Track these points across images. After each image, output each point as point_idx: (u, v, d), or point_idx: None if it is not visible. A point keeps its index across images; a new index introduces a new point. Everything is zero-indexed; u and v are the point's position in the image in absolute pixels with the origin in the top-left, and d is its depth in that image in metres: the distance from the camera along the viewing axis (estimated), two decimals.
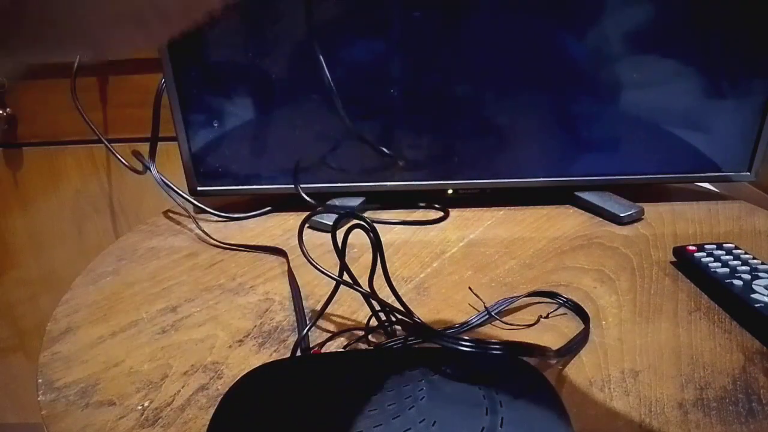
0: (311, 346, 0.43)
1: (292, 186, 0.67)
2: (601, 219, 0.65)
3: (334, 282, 0.47)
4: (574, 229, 0.63)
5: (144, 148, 0.69)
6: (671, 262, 0.55)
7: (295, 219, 0.68)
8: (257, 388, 0.36)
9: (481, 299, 0.48)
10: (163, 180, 0.68)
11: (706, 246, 0.53)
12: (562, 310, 0.47)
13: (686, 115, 0.64)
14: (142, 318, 0.48)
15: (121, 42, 0.20)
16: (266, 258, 0.59)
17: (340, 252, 0.41)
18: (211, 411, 0.35)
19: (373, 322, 0.44)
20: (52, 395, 0.39)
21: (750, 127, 0.65)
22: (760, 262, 0.49)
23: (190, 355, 0.43)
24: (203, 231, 0.64)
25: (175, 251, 0.61)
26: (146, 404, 0.38)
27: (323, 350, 0.42)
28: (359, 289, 0.44)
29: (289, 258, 0.57)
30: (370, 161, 0.66)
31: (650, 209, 0.66)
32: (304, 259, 0.57)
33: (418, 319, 0.45)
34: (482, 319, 0.45)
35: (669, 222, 0.64)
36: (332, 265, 0.42)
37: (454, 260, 0.57)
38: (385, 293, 0.47)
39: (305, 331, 0.43)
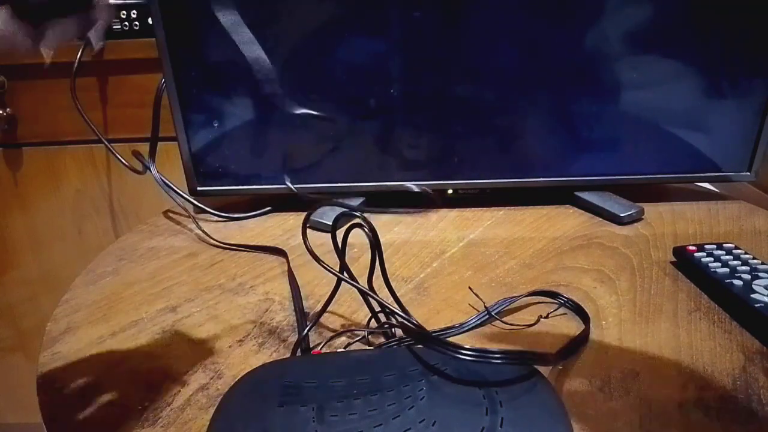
0: (311, 346, 0.43)
1: (292, 185, 0.67)
2: (601, 219, 0.65)
3: (335, 283, 0.47)
4: (574, 229, 0.63)
5: (144, 148, 0.69)
6: (671, 262, 0.55)
7: (295, 219, 0.68)
8: (257, 388, 0.36)
9: (481, 299, 0.48)
10: (163, 180, 0.68)
11: (706, 246, 0.53)
12: (562, 310, 0.47)
13: (686, 115, 0.64)
14: (142, 318, 0.48)
15: None
16: (266, 258, 0.59)
17: (340, 252, 0.41)
18: (211, 411, 0.35)
19: (373, 324, 0.44)
20: (52, 395, 0.39)
21: (750, 127, 0.65)
22: (760, 262, 0.49)
23: (190, 355, 0.43)
24: (203, 231, 0.64)
25: (175, 251, 0.61)
26: (146, 404, 0.38)
27: (323, 350, 0.42)
28: (359, 285, 0.44)
29: (289, 258, 0.57)
30: (370, 161, 0.66)
31: (650, 209, 0.66)
32: (304, 259, 0.57)
33: (415, 321, 0.45)
34: (482, 319, 0.45)
35: (669, 222, 0.64)
36: (332, 264, 0.42)
37: (454, 260, 0.57)
38: (385, 293, 0.47)
39: (305, 331, 0.43)
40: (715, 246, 0.53)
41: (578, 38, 0.61)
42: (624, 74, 0.62)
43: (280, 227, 0.66)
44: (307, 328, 0.43)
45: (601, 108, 0.64)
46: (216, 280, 0.54)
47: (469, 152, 0.66)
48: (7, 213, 0.99)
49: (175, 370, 0.41)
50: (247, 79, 0.62)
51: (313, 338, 0.44)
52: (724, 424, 0.34)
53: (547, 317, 0.46)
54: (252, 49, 0.61)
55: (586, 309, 0.46)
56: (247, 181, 0.67)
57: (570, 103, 0.64)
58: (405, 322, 0.42)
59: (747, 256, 0.51)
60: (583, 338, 0.42)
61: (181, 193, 0.69)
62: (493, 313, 0.46)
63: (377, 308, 0.44)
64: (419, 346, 0.38)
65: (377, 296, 0.42)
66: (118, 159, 0.72)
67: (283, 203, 0.70)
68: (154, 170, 0.69)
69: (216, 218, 0.69)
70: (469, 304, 0.48)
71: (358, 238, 0.44)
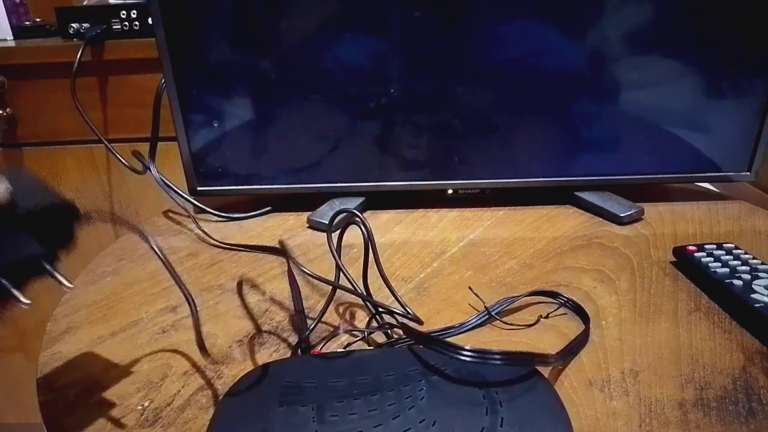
0: (311, 346, 0.43)
1: (292, 186, 0.67)
2: (601, 219, 0.65)
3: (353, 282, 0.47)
4: (574, 229, 0.63)
5: (144, 148, 0.69)
6: (671, 262, 0.55)
7: (295, 219, 0.68)
8: (257, 388, 0.36)
9: (481, 299, 0.48)
10: (163, 180, 0.68)
11: (706, 246, 0.53)
12: (562, 310, 0.47)
13: (686, 115, 0.64)
14: (142, 318, 0.48)
15: None
16: (266, 258, 0.59)
17: (337, 249, 0.41)
18: (211, 411, 0.35)
19: (373, 324, 0.44)
20: (52, 395, 0.39)
21: (750, 127, 0.65)
22: (760, 262, 0.49)
23: (190, 355, 0.43)
24: (203, 231, 0.64)
25: (175, 251, 0.61)
26: (146, 404, 0.38)
27: (323, 350, 0.42)
28: (356, 293, 0.44)
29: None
30: (370, 161, 0.66)
31: (650, 209, 0.66)
32: (305, 259, 0.58)
33: (412, 314, 0.45)
34: (482, 319, 0.45)
35: (669, 222, 0.64)
36: (332, 264, 0.42)
37: (454, 260, 0.57)
38: (386, 293, 0.47)
39: (306, 332, 0.43)
40: (715, 246, 0.53)
41: (578, 38, 0.61)
42: (624, 74, 0.62)
43: (280, 227, 0.66)
44: (308, 328, 0.43)
45: (601, 108, 0.64)
46: (216, 280, 0.54)
47: (469, 152, 0.66)
48: None
49: (175, 370, 0.41)
50: (247, 79, 0.62)
51: (313, 338, 0.44)
52: (724, 424, 0.34)
53: (547, 317, 0.46)
54: (252, 49, 0.61)
55: (586, 309, 0.46)
56: (247, 181, 0.67)
57: (570, 103, 0.64)
58: (405, 321, 0.42)
59: (747, 256, 0.51)
60: (583, 338, 0.42)
61: (181, 193, 0.69)
62: (493, 313, 0.46)
63: (376, 310, 0.44)
64: (419, 346, 0.38)
65: (371, 299, 0.42)
66: (118, 159, 0.72)
67: (283, 203, 0.70)
68: (154, 170, 0.69)
69: (216, 218, 0.69)
70: (469, 304, 0.48)
71: (358, 238, 0.44)
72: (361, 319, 0.47)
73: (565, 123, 0.65)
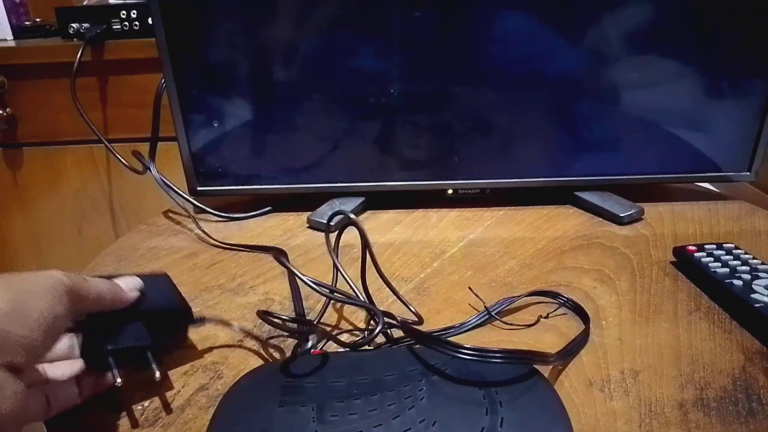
0: (311, 346, 0.43)
1: (292, 186, 0.67)
2: (601, 219, 0.65)
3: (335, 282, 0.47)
4: (574, 229, 0.63)
5: (144, 148, 0.69)
6: (671, 262, 0.55)
7: (295, 219, 0.68)
8: (257, 388, 0.36)
9: (481, 299, 0.48)
10: (163, 180, 0.68)
11: (706, 246, 0.53)
12: (562, 310, 0.47)
13: (686, 115, 0.64)
14: None
15: None
16: (266, 258, 0.59)
17: (335, 251, 0.41)
18: (211, 411, 0.35)
19: (373, 324, 0.44)
20: None
21: (750, 127, 0.65)
22: (760, 262, 0.49)
23: (190, 354, 0.43)
24: (203, 231, 0.64)
25: (175, 251, 0.61)
26: (146, 404, 0.38)
27: (323, 350, 0.42)
28: (355, 302, 0.44)
29: (289, 258, 0.57)
30: (370, 161, 0.66)
31: (650, 209, 0.66)
32: (305, 259, 0.58)
33: (414, 309, 0.45)
34: (482, 319, 0.45)
35: (669, 222, 0.64)
36: (331, 265, 0.42)
37: (454, 260, 0.57)
38: (386, 293, 0.47)
39: (311, 342, 0.43)
40: (715, 246, 0.53)
41: (578, 38, 0.61)
42: (624, 74, 0.62)
43: (280, 227, 0.66)
44: (308, 330, 0.43)
45: (601, 108, 0.64)
46: (216, 280, 0.54)
47: (469, 152, 0.66)
48: (7, 213, 1.00)
49: (175, 370, 0.41)
50: (247, 79, 0.62)
51: (314, 338, 0.44)
52: (724, 424, 0.34)
53: (547, 317, 0.46)
54: (252, 50, 0.61)
55: (586, 309, 0.46)
56: (247, 181, 0.67)
57: (570, 103, 0.64)
58: (405, 319, 0.42)
59: (747, 256, 0.51)
60: (583, 338, 0.42)
61: (181, 193, 0.69)
62: (493, 313, 0.46)
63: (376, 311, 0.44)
64: (419, 345, 0.38)
65: (366, 303, 0.42)
66: (118, 159, 0.72)
67: (283, 203, 0.70)
68: (154, 170, 0.69)
69: (216, 218, 0.69)
70: (469, 304, 0.48)
71: (358, 238, 0.44)
72: (362, 318, 0.47)
73: (565, 123, 0.65)
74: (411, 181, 0.67)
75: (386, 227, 0.65)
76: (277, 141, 0.65)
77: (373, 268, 0.44)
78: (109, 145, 0.75)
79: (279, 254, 0.52)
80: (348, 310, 0.48)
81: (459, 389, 0.34)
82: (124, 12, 0.87)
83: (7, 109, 0.92)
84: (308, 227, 0.65)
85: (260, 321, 0.47)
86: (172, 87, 0.62)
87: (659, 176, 0.68)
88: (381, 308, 0.46)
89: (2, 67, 0.90)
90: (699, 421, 0.35)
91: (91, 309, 0.34)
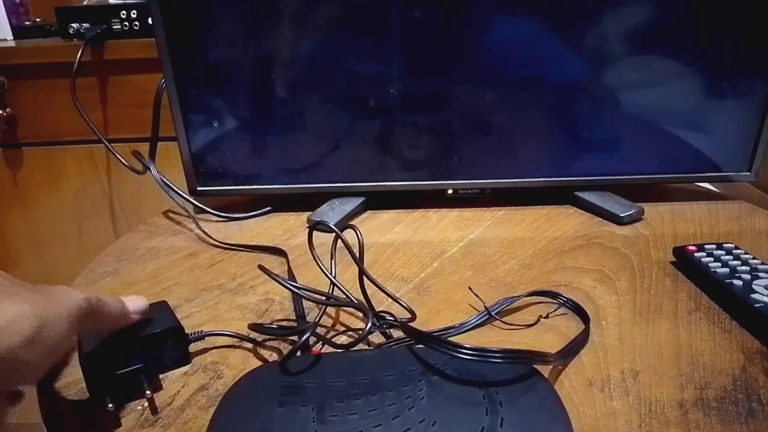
0: (311, 346, 0.43)
1: (292, 186, 0.67)
2: (601, 219, 0.65)
3: (336, 282, 0.47)
4: (574, 229, 0.63)
5: (144, 148, 0.69)
6: (671, 262, 0.55)
7: (295, 219, 0.68)
8: (257, 388, 0.36)
9: (481, 299, 0.48)
10: (163, 180, 0.68)
11: (706, 246, 0.53)
12: (562, 310, 0.47)
13: (686, 115, 0.64)
14: None
15: None
16: (266, 258, 0.59)
17: (334, 250, 0.41)
18: (211, 411, 0.35)
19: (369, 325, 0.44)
20: (52, 395, 0.39)
21: (750, 127, 0.65)
22: (760, 262, 0.49)
23: (189, 355, 0.43)
24: (203, 231, 0.64)
25: (175, 251, 0.61)
26: (146, 404, 0.38)
27: (323, 350, 0.42)
28: (346, 304, 0.44)
29: (289, 258, 0.57)
30: (370, 161, 0.66)
31: (650, 209, 0.66)
32: (304, 259, 0.57)
33: (406, 306, 0.45)
34: (482, 319, 0.45)
35: (669, 222, 0.64)
36: (332, 264, 0.42)
37: (454, 260, 0.57)
38: (390, 288, 0.47)
39: (306, 335, 0.43)
40: (715, 246, 0.53)
41: (578, 38, 0.61)
42: (624, 74, 0.62)
43: (280, 227, 0.66)
44: (308, 333, 0.43)
45: (601, 108, 0.64)
46: (216, 280, 0.54)
47: (469, 152, 0.66)
48: (7, 213, 1.00)
49: (175, 370, 0.41)
50: (247, 79, 0.62)
51: (313, 338, 0.44)
52: (724, 424, 0.34)
53: (547, 317, 0.46)
54: (252, 50, 0.61)
55: (586, 309, 0.46)
56: (247, 181, 0.67)
57: (570, 103, 0.64)
58: (403, 324, 0.42)
59: (747, 256, 0.51)
60: (583, 338, 0.42)
61: (181, 193, 0.69)
62: (493, 313, 0.46)
63: (377, 307, 0.44)
64: (419, 346, 0.38)
65: (357, 303, 0.42)
66: (118, 159, 0.72)
67: (283, 203, 0.70)
68: (154, 170, 0.69)
69: (216, 218, 0.69)
70: (469, 304, 0.48)
71: (357, 239, 0.44)
72: (360, 318, 0.47)
73: (565, 123, 0.65)
74: (411, 181, 0.67)
75: (386, 227, 0.65)
76: (277, 141, 0.65)
77: (374, 267, 0.44)
78: (109, 145, 0.75)
79: (274, 257, 0.52)
80: (347, 310, 0.48)
81: (459, 389, 0.34)
82: (124, 12, 0.87)
83: (7, 109, 0.92)
84: (308, 227, 0.65)
85: (261, 320, 0.47)
86: (172, 87, 0.62)
87: (659, 176, 0.68)
88: (380, 308, 0.47)
89: (2, 67, 0.90)
90: (699, 421, 0.35)
91: (97, 329, 0.36)
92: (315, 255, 0.47)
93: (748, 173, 0.67)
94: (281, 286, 0.48)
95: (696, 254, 0.51)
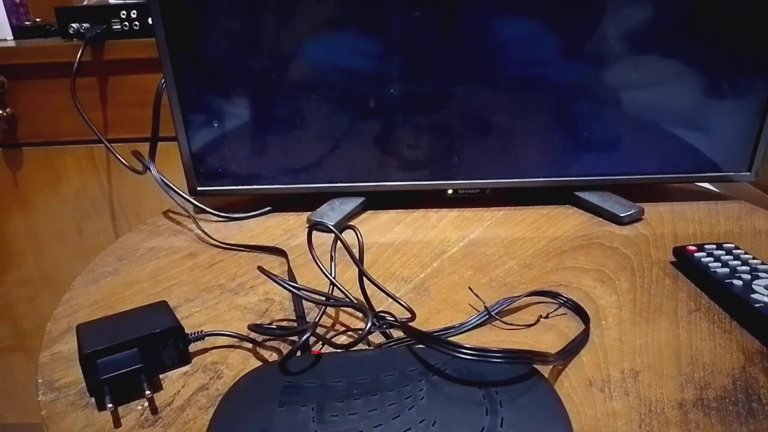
0: (311, 346, 0.43)
1: (292, 186, 0.67)
2: (601, 219, 0.65)
3: (336, 282, 0.47)
4: (574, 229, 0.63)
5: (144, 148, 0.69)
6: (671, 262, 0.55)
7: (295, 219, 0.68)
8: (257, 388, 0.36)
9: (481, 299, 0.48)
10: (163, 180, 0.68)
11: (706, 246, 0.53)
12: (562, 310, 0.47)
13: (686, 115, 0.64)
14: None
15: None
16: (266, 258, 0.59)
17: (333, 250, 0.41)
18: (212, 411, 0.35)
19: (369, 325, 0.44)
20: (52, 395, 0.39)
21: (750, 127, 0.65)
22: (760, 262, 0.49)
23: (189, 355, 0.43)
24: (203, 231, 0.64)
25: (175, 251, 0.61)
26: (146, 404, 0.38)
27: (323, 350, 0.42)
28: (345, 304, 0.44)
29: (289, 258, 0.57)
30: (370, 161, 0.66)
31: (650, 209, 0.66)
32: (304, 258, 0.58)
33: (406, 305, 0.45)
34: (482, 319, 0.45)
35: (669, 222, 0.64)
36: (332, 264, 0.42)
37: (454, 260, 0.57)
38: (390, 288, 0.47)
39: (306, 335, 0.43)
40: (715, 246, 0.53)
41: (578, 38, 0.61)
42: (624, 74, 0.62)
43: (280, 227, 0.66)
44: (308, 334, 0.43)
45: (601, 108, 0.64)
46: (216, 280, 0.54)
47: (469, 152, 0.66)
48: (7, 213, 1.00)
49: (175, 370, 0.41)
50: (247, 79, 0.62)
51: (313, 338, 0.44)
52: (724, 424, 0.34)
53: (547, 317, 0.46)
54: (252, 50, 0.61)
55: (586, 309, 0.46)
56: (247, 181, 0.67)
57: (570, 103, 0.64)
58: (403, 324, 0.42)
59: (747, 256, 0.51)
60: (583, 338, 0.42)
61: (181, 193, 0.69)
62: (493, 313, 0.46)
63: (377, 308, 0.44)
64: (419, 345, 0.38)
65: (356, 302, 0.42)
66: (118, 159, 0.72)
67: (283, 203, 0.70)
68: (154, 170, 0.69)
69: (216, 218, 0.69)
70: (469, 304, 0.48)
71: (356, 239, 0.44)
72: (360, 318, 0.47)
73: (565, 123, 0.65)
74: (411, 181, 0.67)
75: (386, 227, 0.65)
76: (277, 141, 0.65)
77: (374, 267, 0.44)
78: (109, 145, 0.75)
79: (274, 257, 0.52)
80: (347, 310, 0.48)
81: (459, 389, 0.34)
82: (124, 12, 0.87)
83: (7, 109, 0.92)
84: (308, 227, 0.65)
85: (261, 320, 0.47)
86: (172, 87, 0.62)
87: (659, 176, 0.68)
88: (380, 308, 0.47)
89: (2, 67, 0.90)
90: (699, 421, 0.35)
91: None
92: (314, 255, 0.47)
93: (748, 173, 0.67)
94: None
95: (696, 254, 0.51)
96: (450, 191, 0.70)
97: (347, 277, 0.53)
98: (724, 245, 0.53)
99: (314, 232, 0.64)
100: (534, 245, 0.59)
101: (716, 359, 0.40)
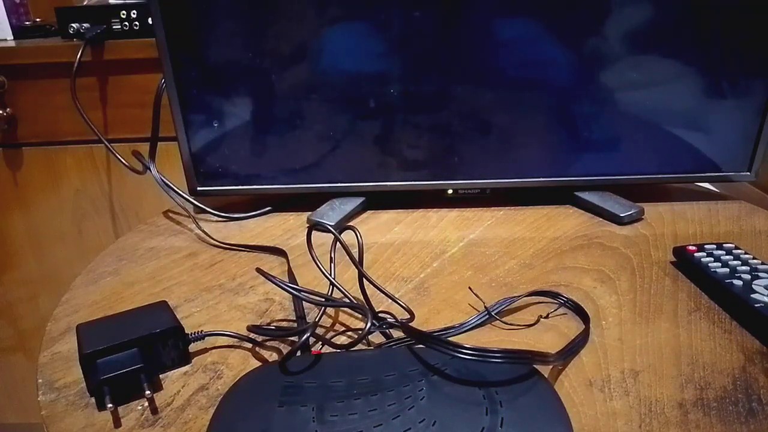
0: (311, 346, 0.43)
1: (292, 186, 0.67)
2: (601, 219, 0.65)
3: (335, 283, 0.47)
4: (574, 229, 0.63)
5: (144, 148, 0.69)
6: (671, 262, 0.55)
7: (295, 219, 0.68)
8: (257, 388, 0.36)
9: (481, 299, 0.48)
10: (163, 180, 0.68)
11: (706, 246, 0.53)
12: (562, 310, 0.47)
13: (686, 115, 0.64)
14: None
15: None
16: (266, 258, 0.59)
17: (333, 251, 0.41)
18: (212, 411, 0.35)
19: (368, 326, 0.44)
20: (52, 395, 0.39)
21: (750, 127, 0.65)
22: (760, 262, 0.49)
23: (190, 355, 0.43)
24: (203, 231, 0.64)
25: (175, 251, 0.61)
26: (146, 404, 0.38)
27: (323, 350, 0.42)
28: (344, 304, 0.44)
29: (289, 258, 0.57)
30: (370, 161, 0.66)
31: (650, 209, 0.66)
32: (305, 259, 0.58)
33: (404, 305, 0.45)
34: (482, 319, 0.45)
35: (669, 222, 0.64)
36: (332, 264, 0.42)
37: (454, 260, 0.57)
38: (390, 288, 0.47)
39: (306, 335, 0.43)
40: (715, 246, 0.53)
41: (578, 38, 0.61)
42: (624, 74, 0.62)
43: (280, 227, 0.66)
44: (308, 334, 0.43)
45: (601, 108, 0.64)
46: (216, 280, 0.54)
47: (469, 152, 0.66)
48: (7, 213, 1.00)
49: (175, 370, 0.41)
50: (247, 79, 0.62)
51: (313, 338, 0.44)
52: (724, 424, 0.34)
53: (547, 317, 0.46)
54: (252, 49, 0.61)
55: (586, 309, 0.46)
56: (247, 181, 0.67)
57: (570, 103, 0.64)
58: (403, 324, 0.42)
59: (747, 256, 0.51)
60: (583, 338, 0.42)
61: (181, 193, 0.69)
62: (493, 313, 0.46)
63: (377, 308, 0.44)
64: (419, 345, 0.38)
65: (354, 302, 0.42)
66: (118, 159, 0.72)
67: (283, 203, 0.70)
68: (154, 170, 0.69)
69: (216, 218, 0.69)
70: (469, 304, 0.48)
71: (356, 239, 0.44)
72: (360, 318, 0.47)
73: (565, 123, 0.65)
74: (411, 181, 0.67)
75: (386, 227, 0.65)
76: (277, 141, 0.65)
77: (374, 267, 0.44)
78: (109, 145, 0.75)
79: (275, 257, 0.52)
80: (347, 311, 0.48)
81: (459, 389, 0.34)
82: (124, 12, 0.87)
83: (7, 109, 0.92)
84: (308, 227, 0.65)
85: (261, 320, 0.47)
86: (172, 87, 0.62)
87: (659, 176, 0.68)
88: (380, 309, 0.47)
89: (2, 67, 0.90)
90: (699, 421, 0.35)
91: None
92: (314, 255, 0.47)
93: (748, 173, 0.67)
94: None
95: (696, 254, 0.52)
96: (450, 191, 0.71)
97: (347, 276, 0.53)
98: (724, 245, 0.53)
99: (314, 232, 0.64)
100: (534, 245, 0.59)
101: (716, 359, 0.40)
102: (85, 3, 0.94)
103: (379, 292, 0.46)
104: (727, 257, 0.50)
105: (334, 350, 0.42)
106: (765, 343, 0.42)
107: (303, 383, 0.35)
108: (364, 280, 0.45)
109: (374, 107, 0.63)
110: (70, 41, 0.89)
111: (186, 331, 0.41)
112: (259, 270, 0.43)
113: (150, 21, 0.85)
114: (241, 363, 0.42)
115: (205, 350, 0.43)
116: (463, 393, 0.33)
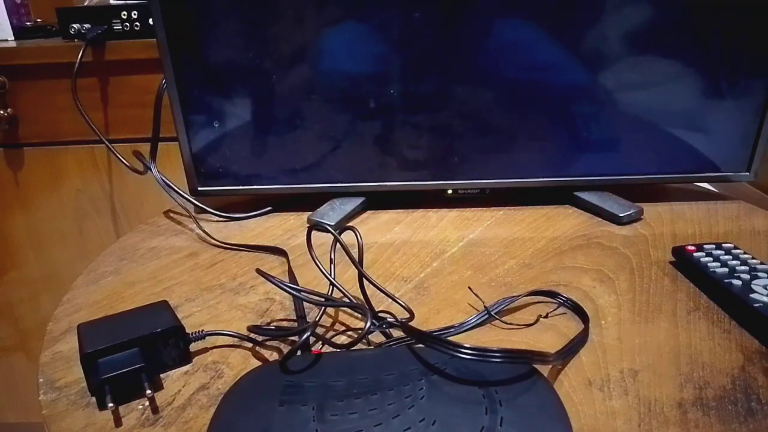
0: (311, 345, 0.43)
1: (293, 186, 0.67)
2: (601, 219, 0.65)
3: (335, 283, 0.47)
4: (574, 229, 0.63)
5: (145, 148, 0.70)
6: (670, 262, 0.55)
7: (295, 219, 0.68)
8: (257, 387, 0.36)
9: (480, 299, 0.48)
10: (163, 180, 0.68)
11: (705, 246, 0.53)
12: (561, 309, 0.47)
13: (686, 115, 0.65)
14: None
15: None
16: (267, 258, 0.59)
17: (333, 251, 0.41)
18: (212, 410, 0.35)
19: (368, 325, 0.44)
20: (53, 395, 0.40)
21: (749, 127, 0.65)
22: (759, 261, 0.50)
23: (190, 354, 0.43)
24: (204, 231, 0.64)
25: (175, 251, 0.61)
26: (146, 404, 0.38)
27: (323, 350, 0.42)
28: (343, 304, 0.44)
29: (290, 258, 0.57)
30: (370, 161, 0.66)
31: (650, 209, 0.66)
32: (305, 258, 0.58)
33: (404, 304, 0.45)
34: (482, 319, 0.46)
35: (668, 222, 0.64)
36: (337, 258, 0.42)
37: (453, 260, 0.57)
38: (390, 287, 0.47)
39: (306, 335, 0.43)
40: (714, 246, 0.53)
41: (578, 38, 0.61)
42: (623, 75, 0.63)
43: (281, 227, 0.66)
44: (308, 333, 0.43)
45: (600, 108, 0.64)
46: (216, 280, 0.54)
47: (469, 152, 0.66)
48: (8, 213, 1.00)
49: (176, 369, 0.41)
50: (248, 79, 0.63)
51: (313, 338, 0.44)
52: (724, 424, 0.35)
53: (546, 317, 0.46)
54: (252, 50, 0.61)
55: (585, 309, 0.46)
56: (248, 181, 0.67)
57: (570, 103, 0.64)
58: (403, 323, 0.42)
59: (746, 255, 0.51)
60: (582, 338, 0.42)
61: (181, 193, 0.69)
62: (492, 313, 0.46)
63: (377, 307, 0.44)
64: (419, 345, 0.39)
65: (354, 302, 0.42)
66: (119, 159, 0.73)
67: (283, 203, 0.70)
68: (154, 170, 0.69)
69: (217, 218, 0.69)
70: (469, 304, 0.49)
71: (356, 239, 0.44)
72: (360, 318, 0.47)
73: (565, 123, 0.65)
74: (411, 181, 0.67)
75: (386, 227, 0.65)
76: (278, 141, 0.65)
77: (373, 267, 0.45)
78: (110, 146, 0.75)
79: (275, 257, 0.52)
80: (347, 310, 0.49)
81: (459, 388, 0.34)
82: (124, 12, 0.87)
83: (8, 110, 0.92)
84: (309, 227, 0.65)
85: (261, 320, 0.47)
86: (172, 87, 0.62)
87: (659, 176, 0.68)
88: (380, 308, 0.47)
89: (3, 67, 0.90)
90: (698, 420, 0.35)
91: None
92: (314, 256, 0.47)
93: (747, 173, 0.67)
94: None
95: (695, 254, 0.52)
96: (450, 191, 0.71)
97: (347, 276, 0.53)
98: (723, 245, 0.53)
99: (315, 232, 0.64)
100: (533, 245, 0.59)
101: (715, 359, 0.41)
102: (86, 3, 0.95)
103: (379, 291, 0.46)
104: (726, 257, 0.51)
105: (334, 350, 0.42)
106: (764, 343, 0.42)
107: (303, 383, 0.35)
108: (364, 279, 0.45)
109: (374, 107, 0.63)
110: (71, 42, 0.89)
111: (187, 331, 0.41)
112: (258, 271, 0.43)
113: (151, 21, 0.85)
114: (241, 362, 0.42)
115: (205, 350, 0.44)
116: (463, 392, 0.33)
